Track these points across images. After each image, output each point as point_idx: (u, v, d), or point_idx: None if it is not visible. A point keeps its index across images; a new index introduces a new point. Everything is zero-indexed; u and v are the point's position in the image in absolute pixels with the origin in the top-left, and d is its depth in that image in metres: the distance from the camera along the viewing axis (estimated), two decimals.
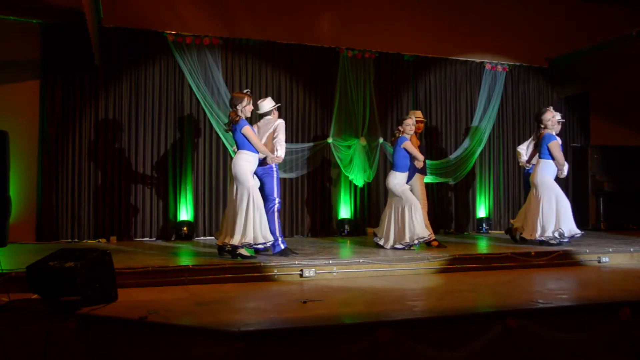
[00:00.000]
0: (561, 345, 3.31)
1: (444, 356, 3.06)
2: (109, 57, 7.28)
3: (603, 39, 8.16)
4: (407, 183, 6.36)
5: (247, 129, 5.25)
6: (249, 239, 5.07)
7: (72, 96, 7.17)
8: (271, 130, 5.66)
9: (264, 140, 5.60)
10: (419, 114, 6.99)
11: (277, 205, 5.60)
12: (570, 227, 6.26)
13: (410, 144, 6.21)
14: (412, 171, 6.46)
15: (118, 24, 7.30)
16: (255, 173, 5.47)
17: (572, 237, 6.27)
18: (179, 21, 7.59)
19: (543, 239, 6.25)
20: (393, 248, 6.07)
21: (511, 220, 7.08)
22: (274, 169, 5.64)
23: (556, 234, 6.20)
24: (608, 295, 4.01)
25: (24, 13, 6.33)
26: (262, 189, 5.55)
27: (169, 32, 7.46)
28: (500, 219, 9.06)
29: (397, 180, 6.18)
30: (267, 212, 5.44)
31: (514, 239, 6.80)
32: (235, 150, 5.43)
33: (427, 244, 6.30)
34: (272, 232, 5.34)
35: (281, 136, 5.62)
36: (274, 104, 5.83)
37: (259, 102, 5.81)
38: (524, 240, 6.56)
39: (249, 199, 5.12)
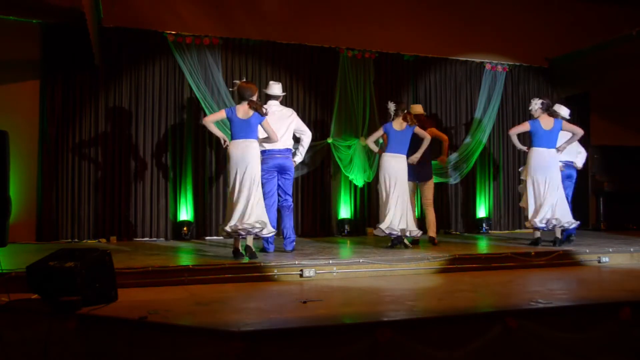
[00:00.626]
0: (561, 345, 3.31)
1: (444, 356, 3.06)
2: (109, 57, 7.28)
3: (603, 39, 8.15)
4: (420, 185, 6.61)
5: (267, 120, 5.32)
6: (248, 225, 5.03)
7: (72, 96, 7.17)
8: (291, 122, 5.85)
9: (284, 130, 5.74)
10: (419, 108, 7.00)
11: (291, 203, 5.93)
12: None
13: (419, 128, 6.26)
14: (425, 174, 6.58)
15: (118, 24, 7.30)
16: (281, 169, 5.74)
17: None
18: (179, 21, 7.59)
19: (560, 224, 6.24)
20: (392, 233, 6.01)
21: (527, 224, 6.55)
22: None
23: (553, 220, 6.23)
24: (608, 295, 4.01)
25: (24, 13, 6.32)
26: (282, 184, 5.80)
27: (169, 32, 7.45)
28: (500, 219, 9.05)
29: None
30: (286, 208, 5.81)
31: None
32: (227, 140, 5.39)
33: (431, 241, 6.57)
34: (290, 228, 5.77)
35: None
36: (282, 91, 6.02)
37: (272, 82, 5.99)
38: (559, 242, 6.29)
39: (259, 189, 5.15)
